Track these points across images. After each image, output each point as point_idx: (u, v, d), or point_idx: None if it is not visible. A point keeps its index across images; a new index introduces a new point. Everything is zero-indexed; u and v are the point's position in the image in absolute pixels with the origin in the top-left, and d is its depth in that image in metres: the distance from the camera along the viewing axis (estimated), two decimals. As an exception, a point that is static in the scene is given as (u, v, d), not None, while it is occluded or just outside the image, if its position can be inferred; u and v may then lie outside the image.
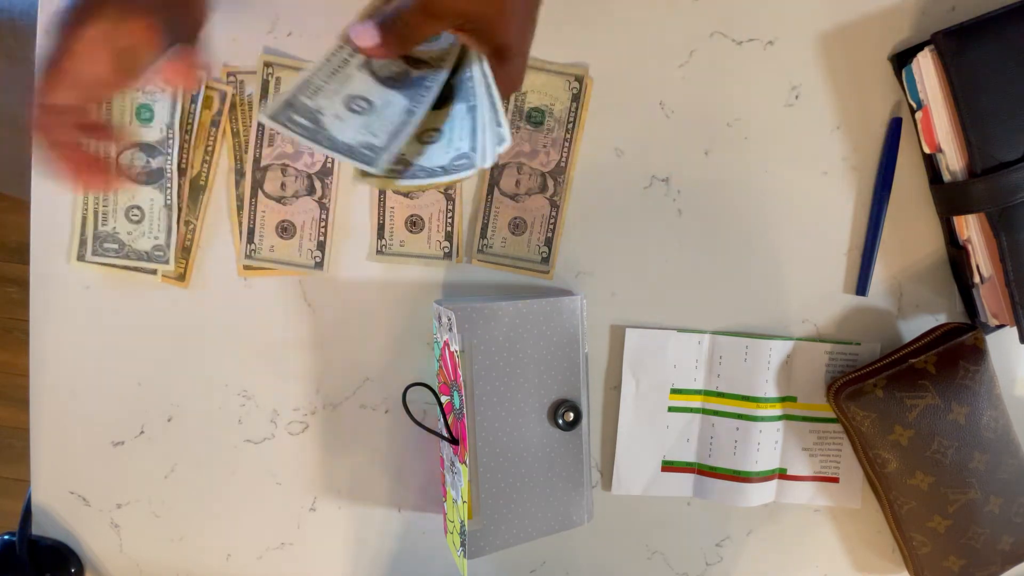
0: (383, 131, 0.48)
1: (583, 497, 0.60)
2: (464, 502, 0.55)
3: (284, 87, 0.61)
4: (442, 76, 0.50)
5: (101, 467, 0.67)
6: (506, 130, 0.47)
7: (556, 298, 0.59)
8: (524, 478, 0.58)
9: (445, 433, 0.59)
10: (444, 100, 0.51)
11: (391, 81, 0.50)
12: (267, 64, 0.62)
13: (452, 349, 0.56)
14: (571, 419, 0.58)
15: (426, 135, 0.50)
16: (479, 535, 0.57)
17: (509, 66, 0.49)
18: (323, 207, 0.63)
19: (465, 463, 0.56)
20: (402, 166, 0.49)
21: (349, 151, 0.46)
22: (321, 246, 0.64)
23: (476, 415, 0.56)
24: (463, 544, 0.56)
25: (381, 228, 0.64)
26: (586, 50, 0.62)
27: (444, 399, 0.60)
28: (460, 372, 0.55)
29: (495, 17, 0.46)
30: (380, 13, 0.46)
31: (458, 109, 0.50)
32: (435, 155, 0.49)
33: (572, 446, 0.59)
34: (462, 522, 0.56)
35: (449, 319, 0.56)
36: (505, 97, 0.51)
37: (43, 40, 0.63)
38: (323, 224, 0.63)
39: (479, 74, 0.49)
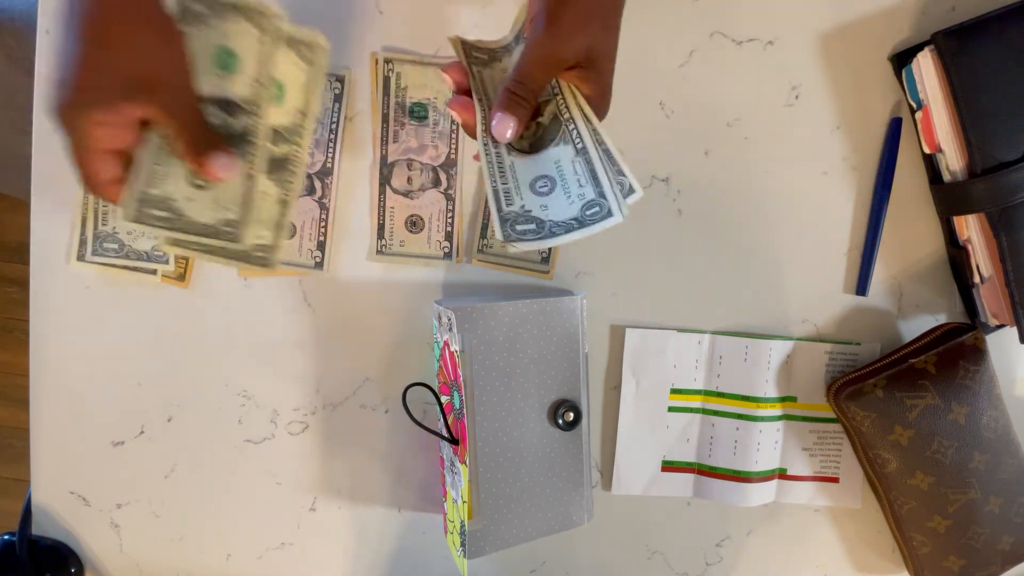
0: (582, 182, 0.48)
1: (583, 497, 0.60)
2: (464, 502, 0.55)
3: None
4: (560, 108, 0.50)
5: (101, 467, 0.67)
6: (632, 179, 0.47)
7: (556, 298, 0.59)
8: (524, 478, 0.58)
9: (445, 433, 0.59)
10: (536, 148, 0.50)
11: (537, 143, 0.50)
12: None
13: (452, 349, 0.56)
14: (571, 419, 0.58)
15: (538, 184, 0.49)
16: (479, 535, 0.57)
17: (605, 102, 0.49)
18: (323, 207, 0.63)
19: (465, 463, 0.56)
20: (532, 224, 0.49)
21: (580, 223, 0.46)
22: (321, 246, 0.64)
23: (476, 415, 0.56)
24: (463, 544, 0.56)
25: (381, 228, 0.64)
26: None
27: (444, 399, 0.60)
28: (460, 372, 0.55)
29: (610, 50, 0.47)
30: (501, 89, 0.47)
31: (563, 153, 0.49)
32: (560, 207, 0.48)
33: (572, 446, 0.59)
34: (462, 522, 0.56)
35: (449, 319, 0.56)
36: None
37: (43, 40, 0.63)
38: (323, 224, 0.63)
39: (579, 115, 0.49)
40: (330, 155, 0.63)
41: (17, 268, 1.51)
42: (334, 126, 0.62)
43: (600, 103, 0.49)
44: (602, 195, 0.46)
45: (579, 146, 0.48)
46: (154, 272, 0.64)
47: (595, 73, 0.48)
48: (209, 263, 0.63)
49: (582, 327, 0.59)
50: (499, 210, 0.48)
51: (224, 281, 0.64)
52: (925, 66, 0.57)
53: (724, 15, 0.62)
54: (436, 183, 0.63)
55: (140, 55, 0.45)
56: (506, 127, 0.47)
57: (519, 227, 0.47)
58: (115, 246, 0.63)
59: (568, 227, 0.47)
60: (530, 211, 0.48)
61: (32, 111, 0.63)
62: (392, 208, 0.63)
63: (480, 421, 0.56)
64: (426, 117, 0.63)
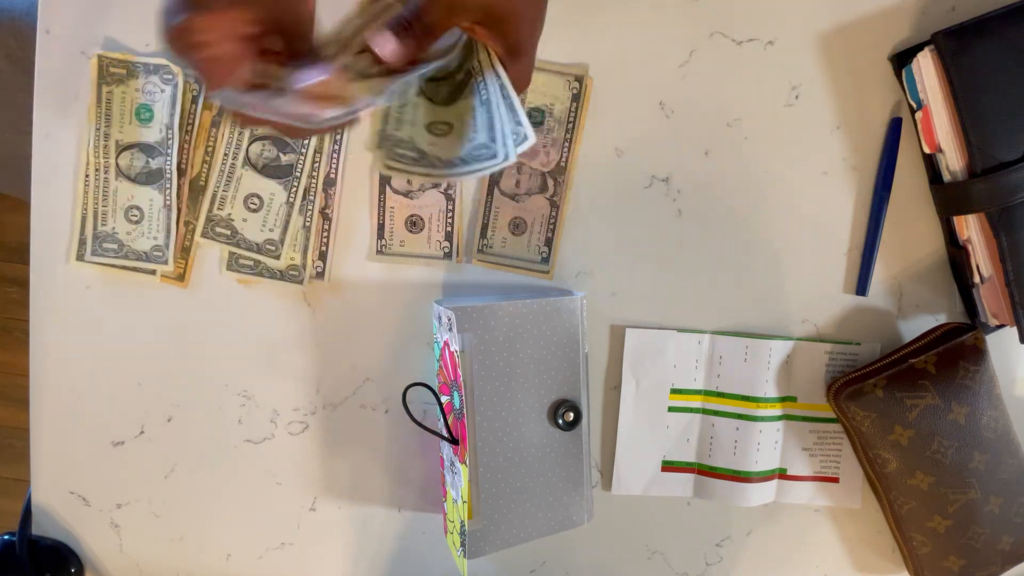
0: (477, 128, 0.48)
1: (583, 497, 0.60)
2: (464, 502, 0.55)
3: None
4: (473, 65, 0.50)
5: (101, 467, 0.67)
6: (528, 128, 0.47)
7: (556, 298, 0.59)
8: (524, 478, 0.58)
9: (445, 433, 0.59)
10: (452, 99, 0.51)
11: (451, 98, 0.51)
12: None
13: (452, 349, 0.56)
14: (571, 419, 0.58)
15: (436, 127, 0.50)
16: (479, 535, 0.57)
17: (519, 64, 0.49)
18: (326, 218, 0.63)
19: (465, 463, 0.56)
20: (414, 153, 0.49)
21: (465, 161, 0.47)
22: (323, 256, 0.64)
23: (476, 415, 0.56)
24: (463, 544, 0.56)
25: (381, 228, 0.64)
26: (586, 50, 0.62)
27: (444, 399, 0.60)
28: (460, 372, 0.55)
29: (511, 11, 0.46)
30: (394, 13, 0.46)
31: (466, 105, 0.50)
32: (452, 147, 0.49)
33: (572, 446, 0.59)
34: (462, 522, 0.56)
35: (449, 319, 0.56)
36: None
37: (43, 40, 0.63)
38: (325, 235, 0.63)
39: (490, 71, 0.49)
40: (333, 166, 0.63)
41: (17, 268, 1.51)
42: (338, 136, 0.62)
43: (511, 65, 0.48)
44: (492, 140, 0.47)
45: (483, 98, 0.49)
46: (153, 272, 0.64)
47: (500, 34, 0.46)
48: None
49: (582, 327, 0.59)
50: (383, 127, 0.48)
51: (224, 281, 0.64)
52: (925, 66, 0.57)
53: (724, 15, 0.62)
54: (436, 183, 0.63)
55: None
56: (385, 45, 0.45)
57: (398, 151, 0.47)
58: (115, 246, 0.63)
59: (451, 164, 0.47)
60: (416, 143, 0.49)
61: (32, 111, 0.63)
62: (392, 208, 0.63)
63: (480, 421, 0.56)
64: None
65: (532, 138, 0.47)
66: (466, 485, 0.55)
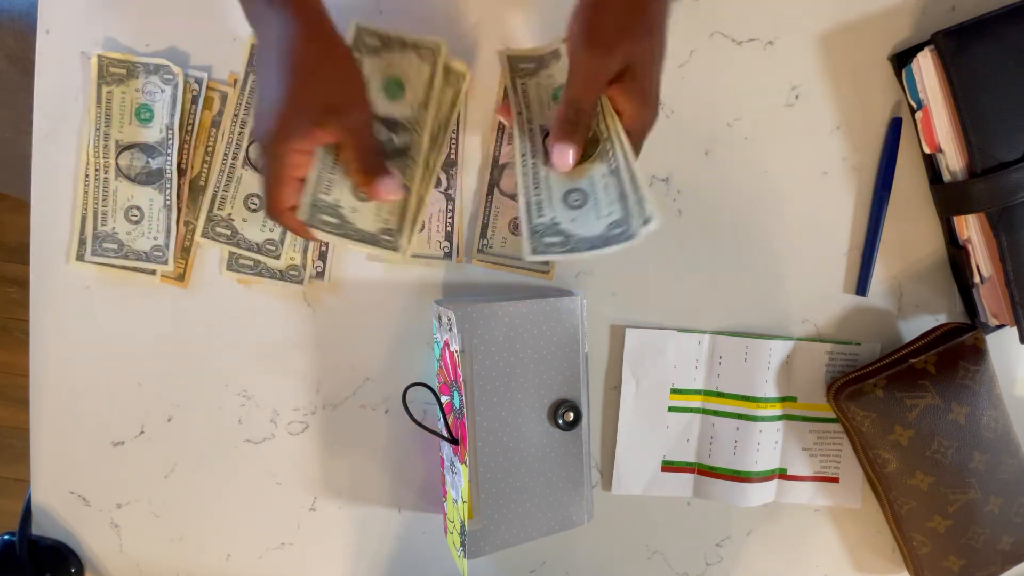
0: (611, 201, 0.50)
1: (583, 497, 0.60)
2: (464, 502, 0.55)
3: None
4: (599, 127, 0.52)
5: (101, 467, 0.67)
6: (652, 205, 0.48)
7: (556, 298, 0.59)
8: (524, 478, 0.58)
9: (445, 433, 0.59)
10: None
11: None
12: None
13: (452, 349, 0.56)
14: (571, 419, 0.58)
15: (571, 197, 0.52)
16: (479, 535, 0.57)
17: (648, 108, 0.50)
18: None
19: (465, 463, 0.56)
20: (560, 237, 0.51)
21: (605, 241, 0.49)
22: (323, 256, 0.64)
23: (476, 415, 0.56)
24: (463, 544, 0.56)
25: (381, 228, 0.63)
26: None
27: (444, 399, 0.60)
28: (460, 372, 0.55)
29: (644, 60, 0.48)
30: (553, 122, 0.49)
31: (598, 169, 0.51)
32: (590, 223, 0.50)
33: (572, 446, 0.59)
34: (462, 522, 0.56)
35: (449, 319, 0.56)
36: (642, 138, 0.52)
37: (43, 40, 0.63)
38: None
39: (615, 135, 0.50)
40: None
41: (17, 268, 1.51)
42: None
43: (643, 111, 0.50)
44: (628, 216, 0.47)
45: (612, 166, 0.50)
46: (153, 272, 0.64)
47: (636, 83, 0.48)
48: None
49: (582, 327, 0.59)
50: (530, 222, 0.50)
51: (224, 281, 0.64)
52: (925, 66, 0.57)
53: (724, 15, 0.62)
54: (436, 183, 0.63)
55: (331, 85, 0.49)
56: (565, 156, 0.49)
57: (546, 239, 0.49)
58: (114, 246, 0.63)
59: (593, 243, 0.48)
60: (559, 223, 0.50)
61: (32, 111, 0.63)
62: (392, 208, 0.63)
63: (480, 421, 0.56)
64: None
65: (656, 219, 0.48)
66: (466, 485, 0.55)
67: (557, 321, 0.58)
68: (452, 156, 0.63)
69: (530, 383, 0.58)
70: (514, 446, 0.57)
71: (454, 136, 0.62)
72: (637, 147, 0.52)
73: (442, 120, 0.60)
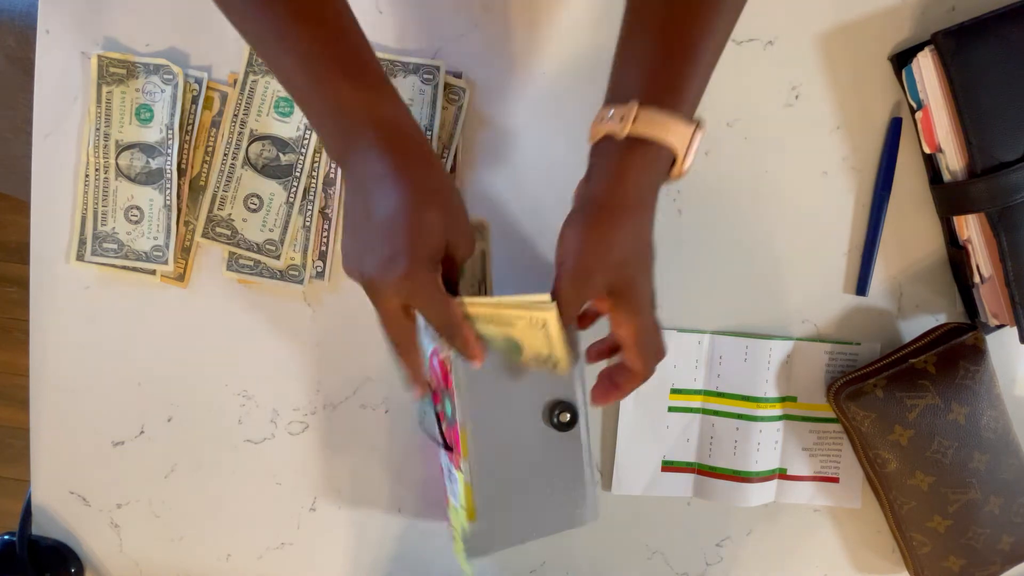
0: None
1: (586, 496, 0.60)
2: (463, 508, 0.55)
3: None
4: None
5: (101, 467, 0.67)
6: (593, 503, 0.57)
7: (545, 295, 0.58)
8: (523, 479, 0.57)
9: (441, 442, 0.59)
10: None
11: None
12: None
13: (441, 356, 0.56)
14: (567, 420, 0.58)
15: None
16: (481, 536, 0.56)
17: (650, 327, 0.49)
18: (326, 217, 0.63)
19: (461, 469, 0.56)
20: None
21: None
22: (323, 256, 0.64)
23: (469, 421, 0.56)
24: (465, 545, 0.56)
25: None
26: (586, 50, 0.62)
27: (437, 408, 0.60)
28: (451, 378, 0.55)
29: (645, 278, 0.49)
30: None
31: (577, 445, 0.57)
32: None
33: (570, 446, 0.59)
34: (463, 527, 0.56)
35: None
36: (654, 365, 0.51)
37: (43, 40, 0.63)
38: (325, 235, 0.63)
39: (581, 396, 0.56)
40: (333, 166, 0.62)
41: (17, 268, 1.51)
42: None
43: (637, 322, 0.49)
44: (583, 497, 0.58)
45: (586, 443, 0.57)
46: (153, 272, 0.64)
47: (622, 300, 0.48)
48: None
49: (573, 325, 0.59)
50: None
51: (224, 281, 0.64)
52: (925, 66, 0.57)
53: (724, 15, 0.61)
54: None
55: (441, 230, 0.47)
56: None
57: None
58: (114, 246, 0.63)
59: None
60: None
61: (32, 111, 0.63)
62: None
63: (474, 426, 0.56)
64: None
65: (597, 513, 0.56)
66: (463, 489, 0.55)
67: None
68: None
69: (522, 386, 0.57)
70: (510, 449, 0.57)
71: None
72: (645, 347, 0.50)
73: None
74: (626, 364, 0.51)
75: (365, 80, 0.47)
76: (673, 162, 0.47)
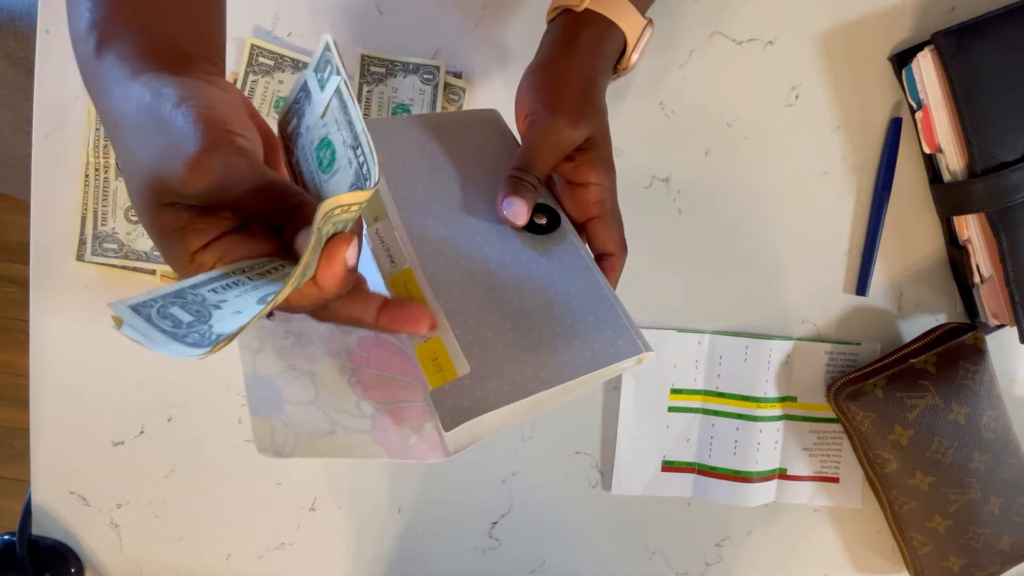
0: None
1: (618, 319, 0.42)
2: (435, 364, 0.41)
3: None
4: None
5: (101, 467, 0.67)
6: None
7: (472, 110, 0.52)
8: (514, 302, 0.42)
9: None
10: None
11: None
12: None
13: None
14: (544, 221, 0.46)
15: None
16: (474, 387, 0.38)
17: (614, 173, 0.49)
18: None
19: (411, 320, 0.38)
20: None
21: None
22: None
23: (413, 242, 0.42)
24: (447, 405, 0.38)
25: (381, 228, 0.63)
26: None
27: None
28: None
29: (605, 133, 0.48)
30: (506, 173, 0.45)
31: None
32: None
33: (567, 256, 0.45)
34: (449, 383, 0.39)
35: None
36: (615, 206, 0.49)
37: (43, 40, 0.63)
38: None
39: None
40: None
41: (17, 268, 1.51)
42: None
43: (611, 176, 0.48)
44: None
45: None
46: (153, 272, 0.64)
47: (602, 151, 0.48)
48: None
49: (515, 134, 0.50)
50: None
51: (224, 281, 0.64)
52: (925, 66, 0.57)
53: (724, 15, 0.62)
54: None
55: None
56: (518, 211, 0.44)
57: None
58: (115, 246, 0.63)
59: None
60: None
61: (32, 111, 0.63)
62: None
63: (421, 246, 0.42)
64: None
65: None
66: (423, 345, 0.41)
67: (482, 132, 0.49)
68: None
69: (472, 198, 0.45)
70: (481, 267, 0.42)
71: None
72: (615, 216, 0.48)
73: None
74: (601, 247, 0.48)
75: None
76: (621, 55, 0.50)
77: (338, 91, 0.34)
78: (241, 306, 0.30)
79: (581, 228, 0.48)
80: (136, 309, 0.30)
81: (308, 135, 0.37)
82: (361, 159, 0.32)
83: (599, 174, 0.47)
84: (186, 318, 0.30)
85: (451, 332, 0.40)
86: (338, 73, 0.34)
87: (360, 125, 0.33)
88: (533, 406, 0.41)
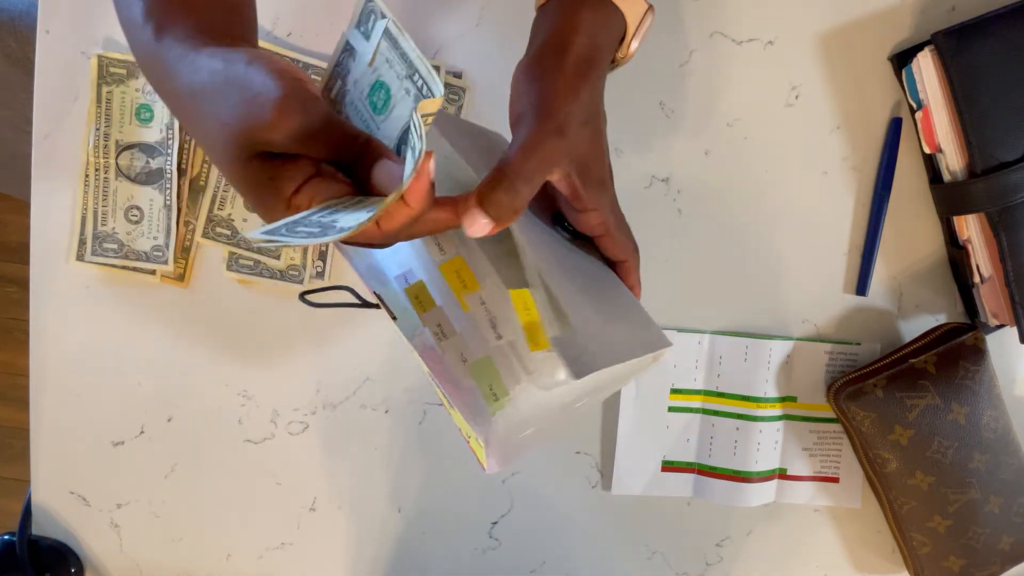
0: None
1: (647, 317, 0.46)
2: (526, 331, 0.40)
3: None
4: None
5: (101, 467, 0.67)
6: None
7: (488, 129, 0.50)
8: (579, 279, 0.43)
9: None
10: None
11: None
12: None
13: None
14: (571, 228, 0.47)
15: None
16: (576, 346, 0.39)
17: (617, 205, 0.46)
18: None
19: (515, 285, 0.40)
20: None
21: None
22: (323, 256, 0.64)
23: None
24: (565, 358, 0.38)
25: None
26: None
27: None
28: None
29: (597, 153, 0.44)
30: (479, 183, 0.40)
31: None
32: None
33: (599, 258, 0.48)
34: (554, 338, 0.39)
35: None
36: (634, 242, 0.48)
37: (43, 40, 0.63)
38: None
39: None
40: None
41: (17, 268, 1.51)
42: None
43: (605, 200, 0.44)
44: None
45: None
46: (153, 272, 0.64)
47: (587, 177, 0.43)
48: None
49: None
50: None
51: (223, 281, 0.64)
52: (925, 66, 0.57)
53: (724, 15, 0.62)
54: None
55: None
56: (478, 228, 0.39)
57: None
58: (114, 246, 0.63)
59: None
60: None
61: (32, 111, 0.63)
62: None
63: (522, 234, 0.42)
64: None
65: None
66: (526, 307, 0.40)
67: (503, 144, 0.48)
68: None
69: None
70: (550, 249, 0.43)
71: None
72: (621, 229, 0.47)
73: None
74: (614, 257, 0.47)
75: None
76: (620, 41, 0.45)
77: (387, 31, 0.37)
78: (352, 221, 0.33)
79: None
80: (269, 232, 0.33)
81: (356, 89, 0.39)
82: (419, 83, 0.35)
83: (594, 199, 0.44)
84: (314, 230, 0.33)
85: (552, 289, 0.40)
86: (383, 16, 0.37)
87: (414, 53, 0.35)
88: (590, 391, 0.43)
